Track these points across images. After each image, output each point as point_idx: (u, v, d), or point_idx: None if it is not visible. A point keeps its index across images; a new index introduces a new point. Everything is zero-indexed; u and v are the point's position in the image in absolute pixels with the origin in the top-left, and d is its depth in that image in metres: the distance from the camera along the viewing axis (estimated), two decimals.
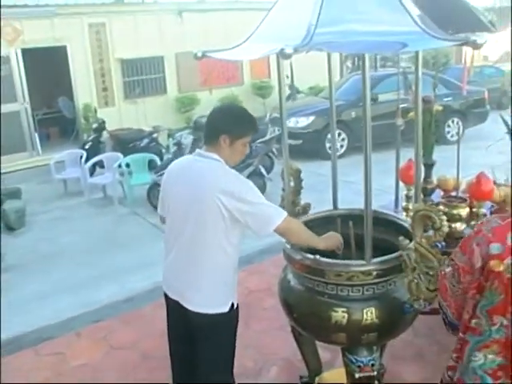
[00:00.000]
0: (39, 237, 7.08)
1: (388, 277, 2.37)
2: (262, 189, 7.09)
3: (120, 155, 8.71)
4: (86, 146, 9.66)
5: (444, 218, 2.21)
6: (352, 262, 2.41)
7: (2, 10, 10.05)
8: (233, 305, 2.52)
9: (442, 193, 3.54)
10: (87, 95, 12.37)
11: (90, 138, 10.05)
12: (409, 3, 2.11)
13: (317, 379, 3.22)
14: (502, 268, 1.70)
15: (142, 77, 13.34)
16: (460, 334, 1.87)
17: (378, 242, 2.48)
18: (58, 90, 12.88)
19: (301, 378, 3.31)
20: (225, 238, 2.40)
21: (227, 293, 2.51)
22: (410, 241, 2.33)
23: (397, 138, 4.07)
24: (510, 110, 3.25)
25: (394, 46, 2.03)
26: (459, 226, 3.13)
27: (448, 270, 1.93)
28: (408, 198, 3.39)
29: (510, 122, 3.13)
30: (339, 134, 10.21)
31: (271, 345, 3.91)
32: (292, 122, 10.15)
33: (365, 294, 2.38)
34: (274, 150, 8.62)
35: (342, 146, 10.30)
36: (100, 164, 9.01)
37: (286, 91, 11.44)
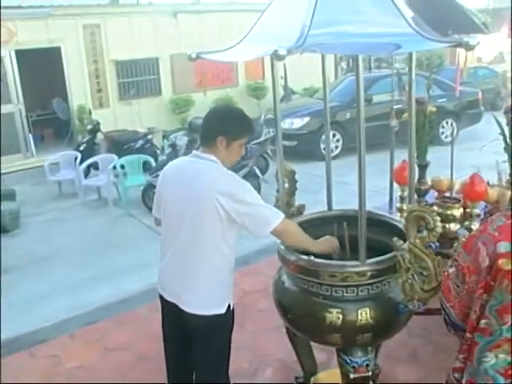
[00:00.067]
0: (34, 238, 7.06)
1: (382, 277, 2.37)
2: (257, 190, 7.06)
3: (115, 157, 8.70)
4: (81, 148, 9.64)
5: (437, 218, 2.22)
6: (346, 263, 2.41)
7: None
8: (229, 306, 2.52)
9: (436, 193, 3.55)
10: (82, 96, 12.35)
11: (85, 140, 10.03)
12: (402, 5, 2.11)
13: (312, 380, 3.22)
14: (510, 267, 1.68)
15: (137, 78, 13.33)
16: (467, 335, 1.84)
17: (372, 242, 2.48)
18: (53, 91, 12.85)
19: (296, 378, 3.31)
20: (222, 238, 2.40)
21: (224, 294, 2.51)
22: (404, 241, 2.34)
23: (391, 139, 4.08)
24: (503, 111, 3.26)
25: (388, 47, 2.03)
26: (453, 226, 3.15)
27: (451, 270, 1.92)
28: (402, 198, 3.40)
29: (503, 123, 3.14)
30: (334, 135, 10.23)
31: (266, 346, 3.91)
32: (287, 123, 10.18)
33: (359, 295, 2.38)
34: (268, 151, 8.63)
35: (336, 147, 10.33)
36: (94, 166, 9.00)
37: (280, 92, 11.46)
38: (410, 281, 2.27)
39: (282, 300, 2.67)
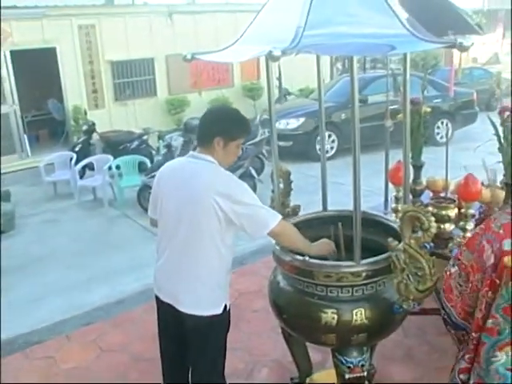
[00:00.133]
0: (29, 239, 7.05)
1: (377, 278, 2.38)
2: (253, 190, 7.06)
3: (110, 157, 8.70)
4: (76, 148, 9.62)
5: (432, 218, 2.22)
6: (341, 264, 2.42)
7: None
8: (225, 306, 2.53)
9: (431, 194, 3.57)
10: (77, 97, 12.31)
11: (80, 140, 10.00)
12: (397, 6, 2.12)
13: (307, 380, 3.22)
14: None
15: (132, 79, 13.30)
16: (472, 334, 1.84)
17: (367, 243, 2.49)
18: (48, 91, 12.80)
19: (291, 379, 3.31)
20: (219, 239, 2.40)
21: (221, 294, 2.52)
22: (399, 242, 2.34)
23: (386, 139, 4.09)
24: (497, 112, 3.27)
25: (382, 48, 2.04)
26: (448, 226, 3.16)
27: (454, 270, 1.91)
28: (397, 199, 3.41)
29: (497, 124, 3.15)
30: (329, 136, 10.26)
31: (262, 346, 3.92)
32: (282, 124, 10.19)
33: (354, 295, 2.38)
34: (264, 151, 8.64)
35: (332, 148, 10.35)
36: (90, 166, 8.98)
37: (276, 93, 11.48)
38: (404, 281, 2.28)
39: (277, 300, 2.67)
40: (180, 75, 13.28)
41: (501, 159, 3.13)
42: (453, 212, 3.16)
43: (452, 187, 3.41)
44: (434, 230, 2.23)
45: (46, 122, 13.33)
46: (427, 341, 3.81)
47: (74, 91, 12.26)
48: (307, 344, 3.06)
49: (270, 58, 1.79)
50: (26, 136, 11.94)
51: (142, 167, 8.63)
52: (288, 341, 3.04)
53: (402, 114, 2.54)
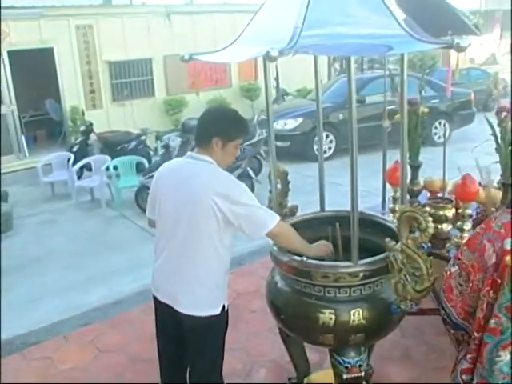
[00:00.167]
0: (27, 240, 7.04)
1: (375, 278, 2.38)
2: (250, 191, 7.09)
3: (108, 158, 8.70)
4: (74, 149, 9.61)
5: (429, 219, 2.23)
6: (339, 264, 2.42)
7: None
8: (224, 307, 2.53)
9: (428, 194, 3.57)
10: (75, 97, 12.29)
11: (78, 141, 10.00)
12: (394, 7, 2.12)
13: (305, 380, 3.22)
14: None
15: (130, 79, 13.29)
16: (474, 334, 1.83)
17: (364, 243, 2.49)
18: (45, 92, 12.79)
19: (289, 379, 3.32)
20: (218, 239, 2.40)
21: (219, 295, 2.52)
22: (397, 242, 2.35)
23: (383, 139, 4.09)
24: (494, 112, 3.27)
25: (380, 48, 2.04)
26: (445, 226, 3.16)
27: (454, 269, 1.91)
28: (395, 199, 3.41)
29: (495, 124, 3.16)
30: (327, 136, 10.27)
31: (259, 347, 3.92)
32: (280, 124, 10.20)
33: (352, 296, 2.39)
34: (262, 152, 8.64)
35: (329, 148, 10.36)
36: (88, 167, 8.98)
37: (273, 94, 11.48)
38: (402, 281, 2.28)
39: (274, 301, 2.67)
40: (178, 76, 13.29)
41: (498, 159, 3.14)
42: (450, 212, 3.16)
43: (449, 187, 3.41)
44: (431, 231, 2.24)
45: (44, 122, 13.32)
46: (425, 341, 3.82)
47: (71, 91, 12.25)
48: (305, 344, 3.06)
49: (268, 58, 1.79)
50: (23, 136, 11.93)
51: (139, 168, 8.62)
52: (286, 341, 3.04)
53: (399, 115, 2.54)
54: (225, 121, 2.51)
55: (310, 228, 2.89)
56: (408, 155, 2.95)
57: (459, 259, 1.89)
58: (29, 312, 4.91)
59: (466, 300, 1.86)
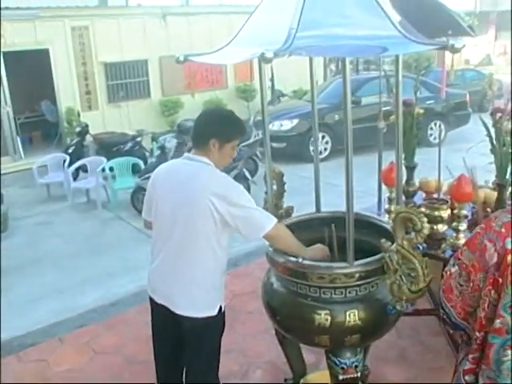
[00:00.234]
0: (22, 241, 7.02)
1: (370, 279, 2.38)
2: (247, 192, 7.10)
3: (103, 159, 8.68)
4: (69, 150, 9.59)
5: (425, 219, 2.23)
6: (334, 265, 2.42)
7: None
8: (220, 308, 2.53)
9: (423, 195, 3.58)
10: (70, 99, 12.27)
11: (73, 142, 9.98)
12: (389, 8, 2.13)
13: (301, 381, 3.23)
14: None
15: (126, 80, 13.27)
16: (476, 333, 1.82)
17: (360, 244, 2.49)
18: (41, 93, 12.75)
19: (285, 380, 3.32)
20: (215, 240, 2.41)
21: (216, 296, 2.52)
22: (392, 243, 2.35)
23: (379, 140, 4.10)
24: (489, 113, 3.28)
25: (375, 50, 2.05)
26: (441, 227, 3.17)
27: (454, 269, 1.90)
28: (390, 200, 3.41)
29: (490, 125, 3.17)
30: (323, 137, 10.28)
31: (256, 348, 3.92)
32: (276, 125, 10.21)
33: (347, 296, 2.39)
34: (258, 153, 8.65)
35: (325, 149, 10.38)
36: (83, 168, 8.97)
37: (269, 95, 11.49)
38: (397, 282, 2.28)
39: (270, 302, 2.67)
40: (174, 77, 13.27)
41: (493, 160, 3.15)
42: (445, 213, 3.17)
43: (445, 188, 3.42)
44: (426, 231, 2.24)
45: (39, 123, 13.29)
46: (421, 341, 3.82)
47: (67, 93, 12.23)
48: (301, 345, 3.06)
49: (263, 59, 1.79)
50: (18, 138, 11.89)
51: (135, 169, 8.61)
52: (282, 342, 3.04)
53: (394, 116, 2.55)
54: (222, 122, 2.51)
55: (306, 229, 2.89)
56: (403, 156, 2.95)
57: (459, 259, 1.89)
58: (24, 314, 4.89)
59: (467, 300, 1.86)
